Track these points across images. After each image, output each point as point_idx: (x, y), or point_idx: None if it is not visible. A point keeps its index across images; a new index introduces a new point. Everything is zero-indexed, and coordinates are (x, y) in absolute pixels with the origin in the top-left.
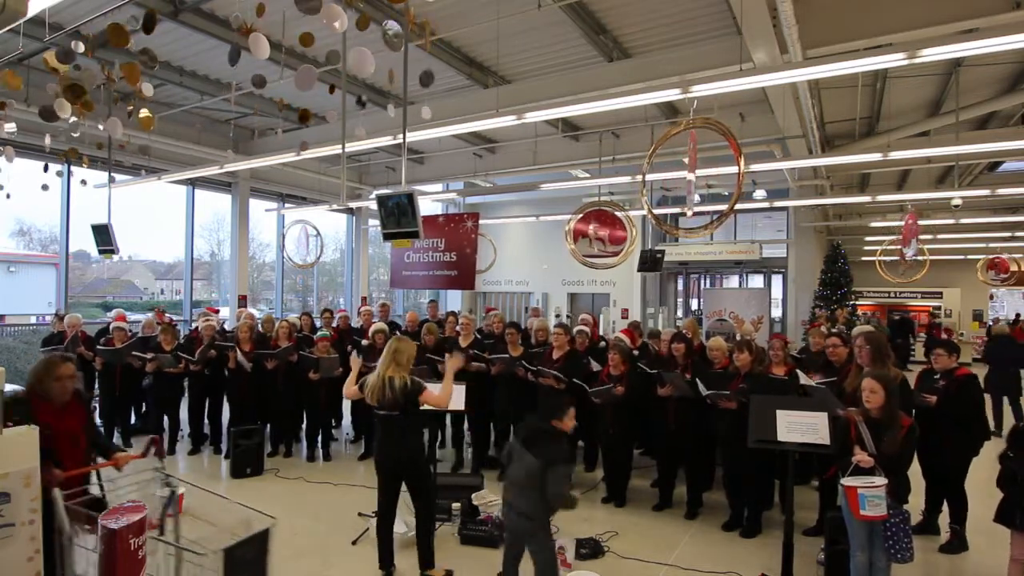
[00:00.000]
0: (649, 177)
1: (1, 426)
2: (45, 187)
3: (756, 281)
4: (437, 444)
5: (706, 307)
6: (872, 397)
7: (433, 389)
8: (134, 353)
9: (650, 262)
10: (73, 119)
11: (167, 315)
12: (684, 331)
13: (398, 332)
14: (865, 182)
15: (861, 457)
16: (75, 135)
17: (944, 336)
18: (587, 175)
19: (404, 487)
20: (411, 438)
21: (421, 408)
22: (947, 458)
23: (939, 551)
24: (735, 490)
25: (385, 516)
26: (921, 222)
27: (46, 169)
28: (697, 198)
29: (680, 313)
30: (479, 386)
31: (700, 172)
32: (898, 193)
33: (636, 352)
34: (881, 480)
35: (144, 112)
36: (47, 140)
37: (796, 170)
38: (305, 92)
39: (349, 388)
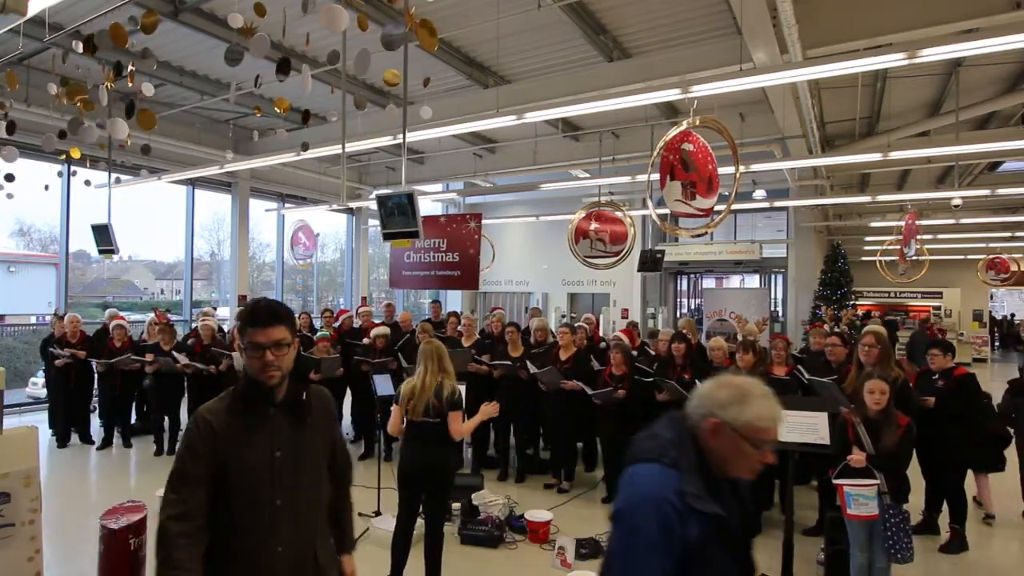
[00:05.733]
0: (653, 177)
1: (0, 426)
2: (47, 187)
3: (756, 281)
4: None
5: (706, 307)
6: (881, 399)
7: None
8: (132, 358)
9: (650, 262)
10: (90, 126)
11: (167, 314)
12: (683, 331)
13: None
14: (865, 182)
15: (853, 457)
16: (80, 134)
17: (938, 336)
18: (587, 175)
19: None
20: (445, 448)
21: None
22: (946, 457)
23: (939, 551)
24: None
25: (404, 530)
26: (921, 222)
27: (62, 173)
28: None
29: (681, 313)
30: (479, 387)
31: None
32: (898, 193)
33: (635, 352)
34: (871, 480)
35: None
36: (55, 142)
37: (796, 170)
38: (305, 91)
39: (395, 425)
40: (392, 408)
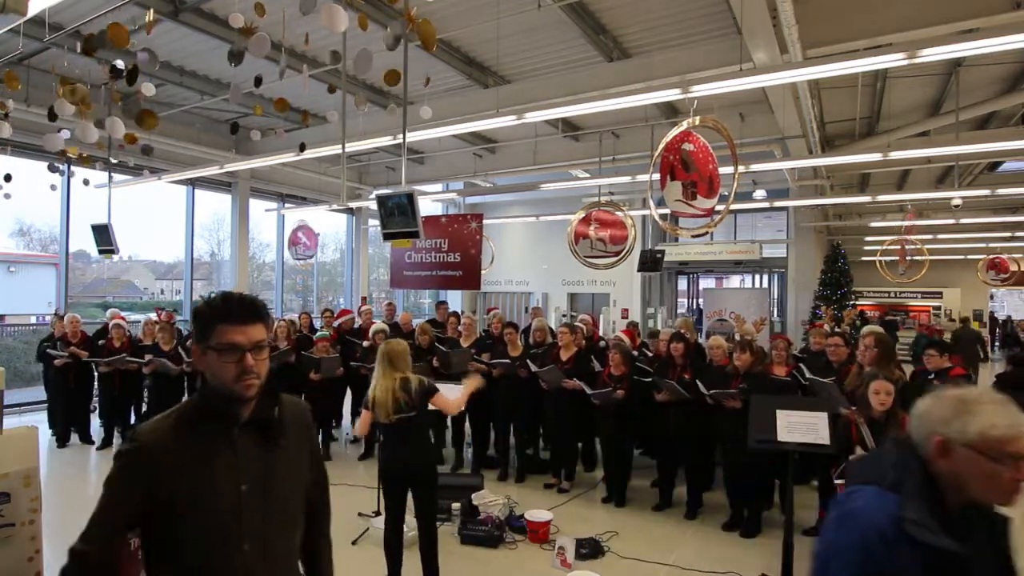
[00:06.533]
0: (654, 177)
1: (0, 426)
2: (53, 187)
3: (756, 281)
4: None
5: (706, 307)
6: (887, 399)
7: (446, 394)
8: (129, 359)
9: (650, 262)
10: (75, 120)
11: (171, 313)
12: (681, 331)
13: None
14: (865, 182)
15: (856, 457)
16: (74, 133)
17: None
18: (587, 175)
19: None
20: (424, 441)
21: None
22: None
23: None
24: (735, 490)
25: (395, 529)
26: (921, 222)
27: (53, 169)
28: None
29: (679, 313)
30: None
31: None
32: (898, 193)
33: (635, 352)
34: None
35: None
36: (58, 142)
37: (796, 170)
38: (305, 91)
39: (361, 427)
40: (362, 411)
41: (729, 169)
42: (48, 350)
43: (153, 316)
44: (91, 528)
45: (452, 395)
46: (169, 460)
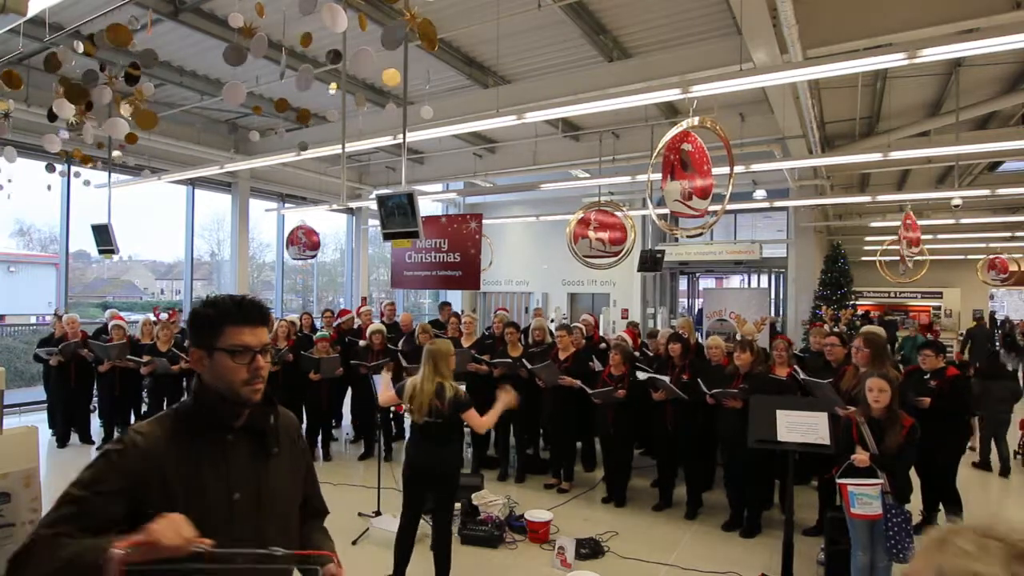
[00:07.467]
0: (654, 177)
1: (0, 426)
2: (49, 187)
3: (756, 281)
4: None
5: (706, 307)
6: (882, 396)
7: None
8: (129, 357)
9: (650, 262)
10: (75, 119)
11: (175, 311)
12: (680, 331)
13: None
14: (865, 182)
15: (857, 456)
16: (78, 135)
17: (932, 336)
18: (587, 175)
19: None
20: (451, 448)
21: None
22: (938, 457)
23: None
24: (735, 490)
25: (408, 528)
26: (921, 222)
27: (51, 169)
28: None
29: (679, 313)
30: (479, 387)
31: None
32: (898, 193)
33: (636, 353)
34: (874, 479)
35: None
36: (57, 143)
37: (796, 170)
38: (304, 91)
39: (385, 395)
40: (393, 391)
41: (725, 169)
42: (37, 352)
43: (151, 316)
44: (57, 519)
45: None
46: (159, 466)
